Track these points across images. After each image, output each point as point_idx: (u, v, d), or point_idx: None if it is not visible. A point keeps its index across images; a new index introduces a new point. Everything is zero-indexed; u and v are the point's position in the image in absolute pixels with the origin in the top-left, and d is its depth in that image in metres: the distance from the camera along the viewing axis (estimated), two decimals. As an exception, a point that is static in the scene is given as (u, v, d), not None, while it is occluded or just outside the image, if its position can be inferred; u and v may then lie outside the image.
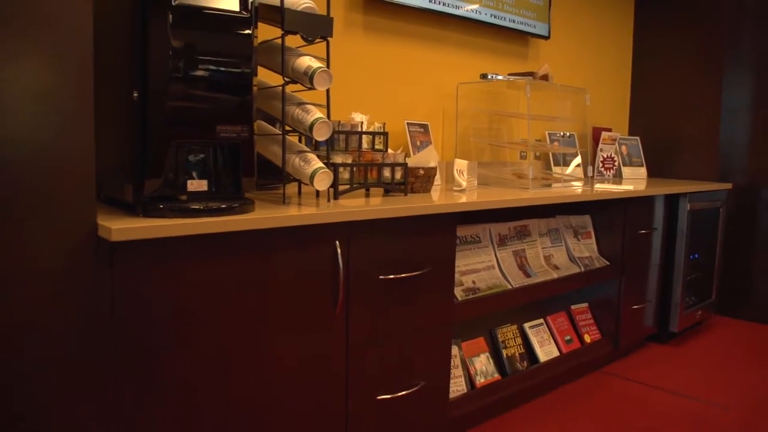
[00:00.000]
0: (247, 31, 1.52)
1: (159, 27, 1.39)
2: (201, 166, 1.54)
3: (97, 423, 1.36)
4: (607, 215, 3.03)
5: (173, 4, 1.39)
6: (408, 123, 2.64)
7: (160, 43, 1.40)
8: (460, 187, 2.45)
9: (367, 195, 2.12)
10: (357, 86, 2.60)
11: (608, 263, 3.00)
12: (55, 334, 1.30)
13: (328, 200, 1.89)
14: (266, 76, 1.88)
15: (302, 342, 1.68)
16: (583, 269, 2.84)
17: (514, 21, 3.11)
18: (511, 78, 2.90)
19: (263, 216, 1.53)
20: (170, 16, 1.39)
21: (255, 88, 1.57)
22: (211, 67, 1.47)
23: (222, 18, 1.48)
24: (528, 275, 2.59)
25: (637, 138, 3.94)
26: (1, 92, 1.21)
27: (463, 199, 2.14)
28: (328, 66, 1.77)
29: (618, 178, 3.71)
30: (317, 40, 1.79)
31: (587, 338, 2.96)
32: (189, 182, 1.52)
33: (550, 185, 2.86)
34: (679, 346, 3.43)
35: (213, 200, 1.52)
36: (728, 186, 3.73)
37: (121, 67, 1.49)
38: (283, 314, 1.62)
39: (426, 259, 1.99)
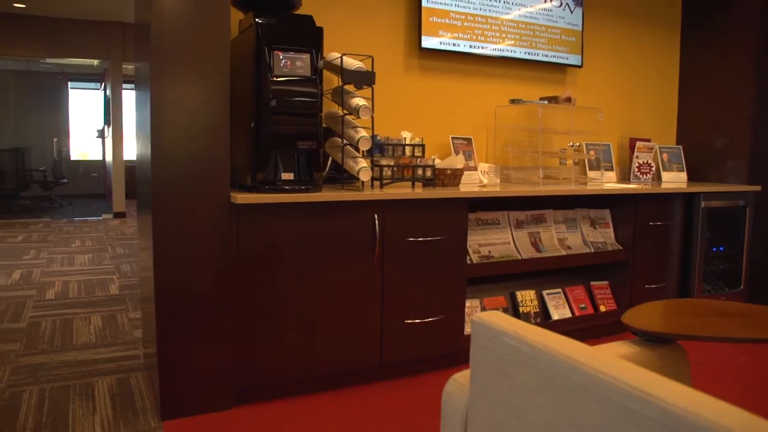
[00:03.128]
0: (314, 87, 2.82)
1: (266, 84, 2.73)
2: (289, 165, 2.86)
3: (225, 305, 2.71)
4: (625, 210, 4.06)
5: (273, 74, 2.73)
6: (453, 137, 3.86)
7: (266, 94, 2.73)
8: (482, 183, 3.63)
9: (413, 186, 3.35)
10: (412, 111, 3.84)
11: (621, 248, 4.03)
12: (209, 256, 2.66)
13: (373, 187, 3.15)
14: (338, 108, 3.19)
15: (351, 277, 2.95)
16: (593, 251, 3.90)
17: (547, 56, 4.24)
18: (535, 102, 4.03)
19: (324, 194, 2.82)
20: (272, 77, 2.73)
21: (323, 117, 2.87)
22: (294, 107, 2.79)
23: (301, 79, 2.79)
24: (539, 251, 3.71)
25: (680, 147, 4.88)
26: (187, 115, 2.60)
27: (475, 189, 3.33)
28: (372, 103, 3.04)
29: (657, 181, 4.68)
30: (365, 87, 3.07)
31: (602, 308, 4.00)
32: (283, 174, 2.84)
33: (585, 184, 3.95)
34: (699, 324, 4.34)
35: (296, 184, 2.83)
36: (757, 188, 4.59)
37: (244, 106, 2.85)
38: (339, 256, 2.90)
39: (443, 230, 3.19)
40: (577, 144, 4.23)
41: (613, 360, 0.93)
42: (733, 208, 4.52)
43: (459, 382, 1.29)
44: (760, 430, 0.69)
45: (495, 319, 1.14)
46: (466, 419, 1.23)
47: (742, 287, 4.64)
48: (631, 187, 4.03)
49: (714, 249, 4.50)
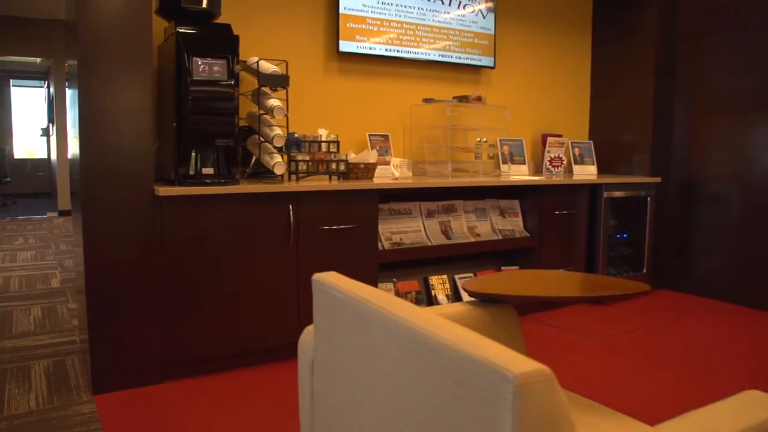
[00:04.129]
0: (229, 90, 3.14)
1: (185, 87, 3.04)
2: (209, 160, 3.18)
3: (151, 289, 3.02)
4: (532, 200, 4.47)
5: (192, 78, 3.04)
6: (370, 134, 4.21)
7: (186, 96, 3.05)
8: (395, 176, 3.99)
9: (330, 179, 3.69)
10: (331, 110, 4.18)
11: (528, 235, 4.43)
12: (135, 245, 2.98)
13: (290, 180, 3.49)
14: (256, 109, 3.51)
15: (269, 261, 3.28)
16: (501, 238, 4.29)
17: (460, 58, 4.62)
18: (446, 101, 4.41)
19: (241, 186, 3.15)
20: (191, 81, 3.04)
21: (244, 117, 3.20)
22: (212, 108, 3.10)
23: (218, 82, 3.11)
24: (449, 238, 4.09)
25: (590, 142, 5.31)
26: (112, 113, 2.90)
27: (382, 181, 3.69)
28: (287, 103, 3.38)
29: (569, 174, 5.10)
30: (279, 89, 3.41)
31: (512, 290, 4.40)
32: (204, 169, 3.16)
33: (499, 177, 4.33)
34: (602, 305, 4.78)
35: (216, 178, 3.15)
36: (657, 180, 5.04)
37: (168, 107, 3.16)
38: (257, 243, 3.23)
39: (355, 219, 3.54)
40: (485, 140, 4.61)
41: (403, 304, 1.27)
42: (636, 197, 4.96)
43: (310, 331, 1.64)
44: (504, 357, 1.01)
45: (328, 277, 1.49)
46: (313, 358, 1.58)
47: (644, 270, 5.09)
48: (536, 178, 4.44)
49: (618, 236, 4.94)
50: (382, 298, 1.31)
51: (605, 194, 4.69)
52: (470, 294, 1.90)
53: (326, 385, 1.51)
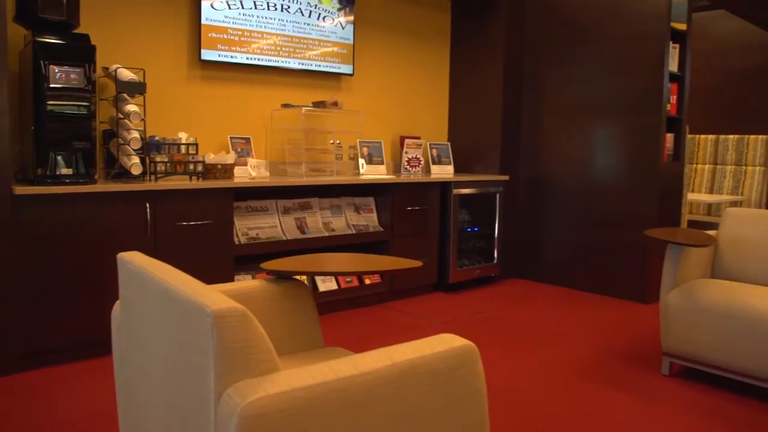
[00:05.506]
0: (86, 95, 3.47)
1: (43, 93, 3.35)
2: (68, 161, 3.49)
3: (7, 283, 3.32)
4: (386, 197, 4.94)
5: (50, 86, 3.35)
6: (231, 137, 4.59)
7: (44, 102, 3.35)
8: (252, 176, 4.38)
9: (190, 179, 4.04)
10: (194, 115, 4.53)
11: (382, 230, 4.91)
12: (-9, 235, 3.27)
13: (150, 180, 3.83)
14: (116, 113, 3.84)
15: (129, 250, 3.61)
16: (355, 232, 4.75)
17: (320, 66, 5.05)
18: (302, 106, 4.83)
19: (98, 185, 3.48)
20: (48, 90, 3.35)
21: (98, 121, 3.52)
22: (69, 114, 3.42)
23: (75, 89, 3.43)
24: (304, 233, 4.51)
25: (448, 143, 5.85)
26: (-33, 129, 3.18)
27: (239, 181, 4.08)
28: (145, 108, 3.72)
29: (427, 173, 5.61)
30: (137, 95, 3.75)
31: (367, 281, 4.86)
32: (63, 169, 3.47)
33: (358, 176, 4.77)
34: (456, 294, 5.31)
35: (74, 178, 3.47)
36: (505, 177, 5.62)
37: (28, 110, 3.45)
38: (115, 239, 3.56)
39: (211, 215, 3.92)
40: (338, 141, 5.07)
41: (175, 273, 1.67)
42: (486, 194, 5.52)
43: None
44: (209, 298, 1.42)
45: (128, 255, 1.87)
46: (119, 323, 1.97)
47: (495, 261, 5.66)
48: (388, 177, 4.92)
49: (469, 229, 5.49)
50: (159, 268, 1.71)
51: (455, 191, 5.22)
52: (267, 272, 2.32)
53: (125, 344, 1.90)
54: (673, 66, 5.21)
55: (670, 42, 5.11)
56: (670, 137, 5.26)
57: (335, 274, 2.32)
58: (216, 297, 1.39)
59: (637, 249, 5.16)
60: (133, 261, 1.79)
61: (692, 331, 3.47)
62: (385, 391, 1.46)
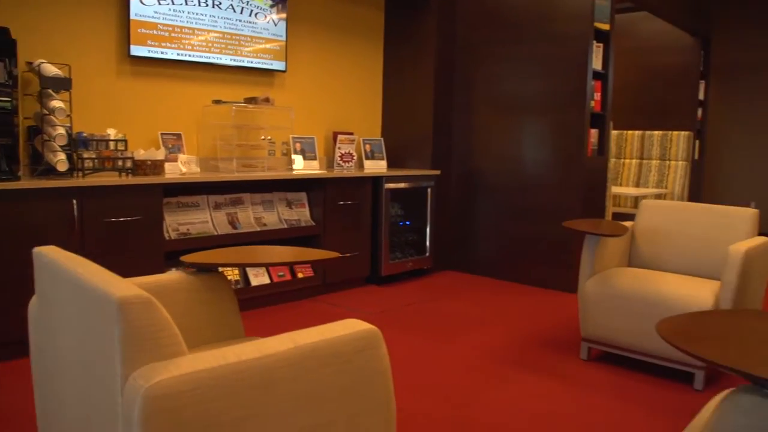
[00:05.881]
0: (8, 90, 3.45)
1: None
2: (-10, 158, 3.47)
3: (-68, 275, 3.29)
4: (317, 192, 5.01)
5: (-33, 81, 3.33)
6: (162, 133, 4.60)
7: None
8: (182, 172, 4.41)
9: (120, 175, 4.04)
10: (124, 111, 4.53)
11: (314, 224, 4.98)
12: None
13: (76, 176, 3.83)
14: (42, 109, 3.82)
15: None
16: (287, 227, 4.81)
17: (252, 62, 5.10)
18: (233, 102, 4.87)
19: (21, 182, 3.47)
20: (-34, 87, 3.33)
21: (20, 117, 3.50)
22: (-11, 109, 3.41)
23: (-4, 85, 3.42)
24: (235, 228, 4.56)
25: (381, 139, 5.95)
26: None
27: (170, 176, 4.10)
28: (71, 104, 3.71)
29: (360, 168, 5.70)
30: (62, 91, 3.74)
31: (300, 275, 4.93)
32: (-16, 166, 3.45)
33: (290, 171, 4.83)
34: (388, 286, 5.42)
35: (-5, 174, 3.45)
36: (436, 172, 5.76)
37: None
38: (42, 234, 3.55)
39: (140, 211, 3.93)
40: (269, 137, 5.13)
41: (86, 264, 1.72)
42: (418, 189, 5.65)
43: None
44: (114, 286, 1.48)
45: (44, 249, 1.91)
46: (36, 315, 2.00)
47: (428, 254, 5.79)
48: (319, 172, 5.00)
49: (401, 223, 5.61)
50: (73, 260, 1.75)
51: (386, 186, 5.33)
52: (187, 264, 2.38)
53: (41, 338, 1.94)
54: (596, 64, 5.41)
55: (594, 41, 5.31)
56: (594, 133, 5.47)
57: (246, 266, 2.39)
58: (121, 285, 1.45)
59: (562, 240, 5.35)
60: (48, 254, 1.83)
61: (608, 317, 3.64)
62: (288, 373, 1.54)
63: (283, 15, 5.26)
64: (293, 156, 5.30)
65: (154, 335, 1.44)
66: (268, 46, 5.19)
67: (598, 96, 5.48)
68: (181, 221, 4.33)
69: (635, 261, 4.15)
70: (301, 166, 5.30)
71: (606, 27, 5.43)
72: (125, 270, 3.92)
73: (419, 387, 3.27)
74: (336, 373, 1.64)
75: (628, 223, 4.15)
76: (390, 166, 6.10)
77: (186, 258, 2.41)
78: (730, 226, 3.90)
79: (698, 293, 3.41)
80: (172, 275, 2.34)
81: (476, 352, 3.82)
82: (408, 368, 3.54)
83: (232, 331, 2.44)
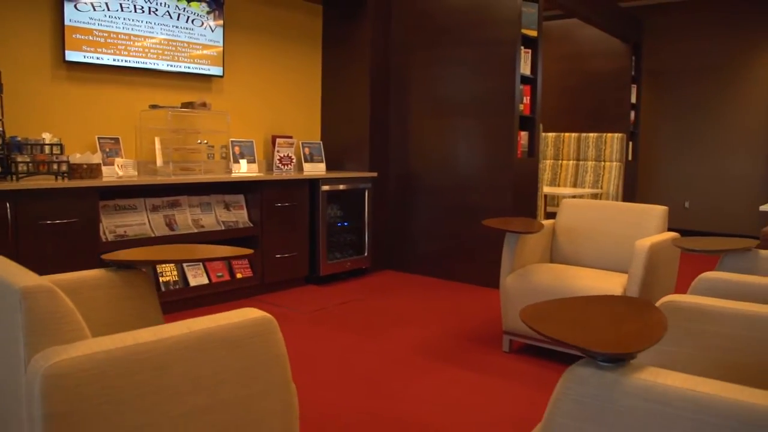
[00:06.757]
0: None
1: None
2: None
3: None
4: (255, 194, 5.16)
5: None
6: (99, 137, 4.70)
7: None
8: (119, 175, 4.52)
9: (56, 179, 4.14)
10: (59, 115, 4.62)
11: (252, 225, 5.13)
12: None
13: (10, 180, 3.92)
14: (-30, 115, 3.90)
15: (-18, 250, 3.71)
16: (224, 228, 4.95)
17: (189, 67, 5.22)
18: (169, 107, 4.99)
19: (-49, 185, 3.55)
20: None
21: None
22: None
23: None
24: (173, 230, 4.68)
25: (320, 142, 6.11)
26: None
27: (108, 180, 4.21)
28: (2, 109, 3.81)
29: (299, 171, 5.86)
30: (-6, 96, 3.84)
31: (239, 275, 5.07)
32: None
33: (230, 174, 4.96)
34: (327, 285, 5.59)
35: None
36: (374, 174, 5.94)
37: None
38: (-32, 235, 3.65)
39: (75, 214, 4.04)
40: (205, 141, 5.26)
41: (9, 264, 1.86)
42: (356, 190, 5.83)
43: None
44: (19, 277, 1.62)
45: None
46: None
47: (366, 254, 5.97)
48: (255, 175, 5.15)
49: (339, 224, 5.78)
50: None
51: (324, 188, 5.50)
52: (107, 261, 2.52)
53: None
54: (525, 69, 5.65)
55: (522, 47, 5.55)
56: (524, 135, 5.71)
57: (163, 262, 2.53)
58: (26, 277, 1.60)
59: (492, 239, 5.58)
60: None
61: (524, 311, 3.86)
62: (183, 355, 1.70)
63: (220, 21, 5.39)
64: (240, 160, 5.44)
65: (57, 322, 1.59)
66: (205, 52, 5.32)
67: (527, 100, 5.72)
68: (118, 223, 4.44)
69: (556, 257, 4.38)
70: (245, 170, 5.44)
71: (534, 33, 5.68)
72: (60, 271, 4.02)
73: (344, 379, 3.45)
74: (230, 356, 1.80)
75: (549, 222, 4.38)
76: (330, 168, 6.27)
77: (106, 256, 2.54)
78: (642, 223, 4.16)
79: (607, 286, 3.65)
80: (94, 272, 2.47)
81: (403, 346, 4.01)
82: (336, 362, 3.71)
83: (152, 325, 2.58)
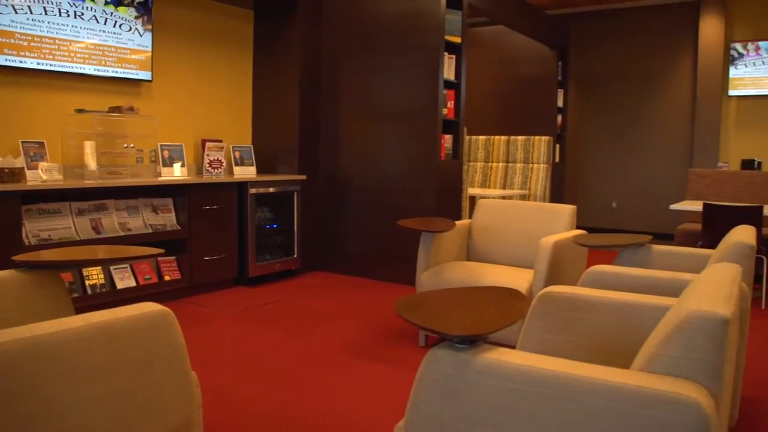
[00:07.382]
0: None
1: None
2: None
3: None
4: (183, 197, 5.25)
5: None
6: (23, 141, 4.74)
7: None
8: (43, 179, 4.57)
9: (-25, 185, 4.17)
10: (-15, 119, 4.66)
11: (180, 228, 5.22)
12: None
13: (-73, 185, 3.95)
14: None
15: None
16: (152, 231, 5.03)
17: (117, 72, 5.29)
18: (95, 111, 5.06)
19: None
20: None
21: None
22: None
23: None
24: (99, 233, 4.75)
25: (251, 146, 6.23)
26: None
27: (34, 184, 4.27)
28: None
29: (229, 174, 5.96)
30: None
31: (167, 278, 5.15)
32: None
33: (158, 177, 5.04)
34: (256, 287, 5.71)
35: None
36: (303, 177, 6.09)
37: None
38: None
39: (-4, 217, 4.09)
40: (132, 145, 5.34)
41: None
42: (285, 193, 5.96)
43: None
44: None
45: None
46: None
47: (296, 255, 6.11)
48: (183, 178, 5.24)
49: (268, 226, 5.91)
50: None
51: (252, 191, 5.62)
52: (17, 262, 2.61)
53: None
54: (449, 75, 5.87)
55: (446, 53, 5.76)
56: (449, 138, 5.92)
57: (70, 263, 2.64)
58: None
59: (414, 239, 5.77)
60: None
61: (438, 307, 4.05)
62: (80, 345, 1.82)
63: (149, 26, 5.47)
64: (170, 164, 5.52)
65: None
66: (133, 56, 5.39)
67: (451, 104, 5.94)
68: (42, 227, 4.50)
69: (472, 255, 4.59)
70: (178, 173, 5.53)
71: (457, 40, 5.90)
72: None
73: (263, 375, 3.58)
74: (128, 347, 1.93)
75: (465, 221, 4.59)
76: (261, 172, 6.39)
77: (17, 257, 2.64)
78: (551, 221, 4.39)
79: (515, 281, 3.87)
80: (4, 273, 2.56)
81: (324, 344, 4.16)
82: (258, 360, 3.85)
83: (64, 323, 2.68)
